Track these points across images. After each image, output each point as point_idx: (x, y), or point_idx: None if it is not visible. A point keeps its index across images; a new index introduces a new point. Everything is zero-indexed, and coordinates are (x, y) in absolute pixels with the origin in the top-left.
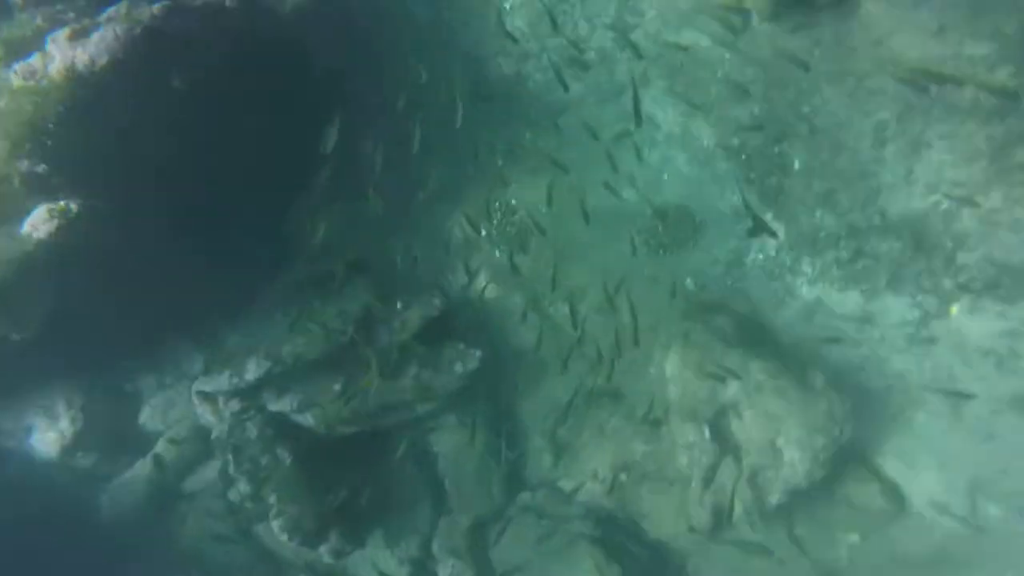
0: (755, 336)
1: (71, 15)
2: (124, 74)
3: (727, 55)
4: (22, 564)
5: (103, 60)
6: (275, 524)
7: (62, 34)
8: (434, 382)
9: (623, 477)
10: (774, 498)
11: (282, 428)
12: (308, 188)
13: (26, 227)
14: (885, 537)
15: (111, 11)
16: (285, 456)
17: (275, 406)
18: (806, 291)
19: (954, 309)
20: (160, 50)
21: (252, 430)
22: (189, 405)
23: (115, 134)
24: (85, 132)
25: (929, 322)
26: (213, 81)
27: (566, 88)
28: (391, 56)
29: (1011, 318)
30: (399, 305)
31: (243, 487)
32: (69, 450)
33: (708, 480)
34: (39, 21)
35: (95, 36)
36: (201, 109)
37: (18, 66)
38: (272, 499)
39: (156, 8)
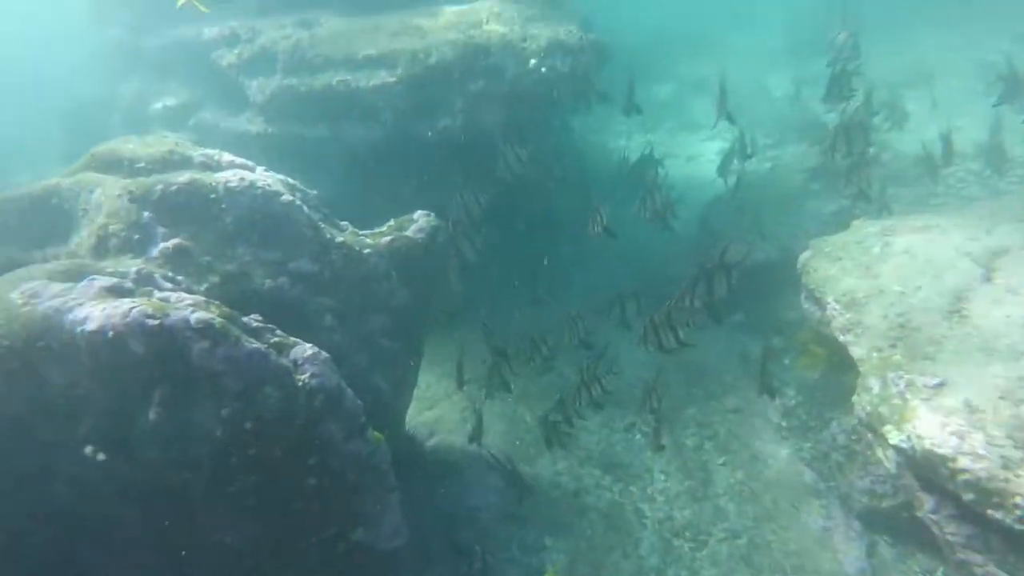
0: None
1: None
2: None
3: None
4: None
5: (91, 325)
6: None
7: (99, 282)
8: None
9: None
10: None
11: None
12: None
13: None
14: None
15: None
16: None
17: None
18: None
19: None
20: (148, 367)
21: None
22: None
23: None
24: None
25: None
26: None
27: None
28: None
29: None
30: None
31: None
32: None
33: None
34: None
35: (119, 303)
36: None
37: (25, 286)
38: None
39: (196, 318)
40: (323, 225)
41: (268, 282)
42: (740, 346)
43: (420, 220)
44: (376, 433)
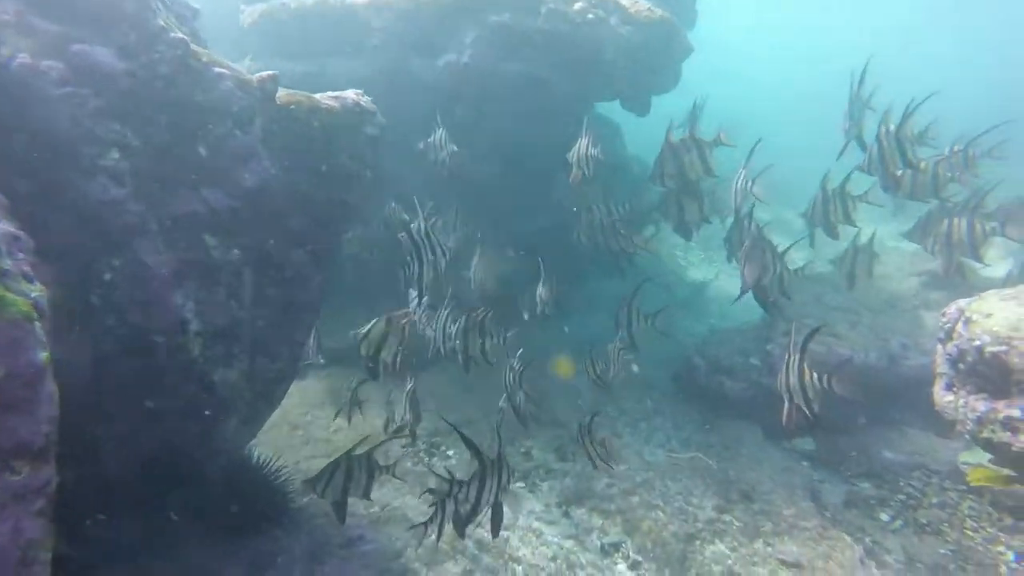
0: None
1: None
2: None
3: None
4: None
5: None
6: None
7: None
8: None
9: None
10: None
11: None
12: None
13: None
14: None
15: None
16: None
17: None
18: None
19: None
20: None
21: None
22: None
23: None
24: None
25: None
26: None
27: None
28: None
29: None
30: None
31: None
32: None
33: None
34: None
35: None
36: None
37: None
38: None
39: None
40: (165, 14)
41: (22, 60)
42: (807, 479)
43: (347, 92)
44: None
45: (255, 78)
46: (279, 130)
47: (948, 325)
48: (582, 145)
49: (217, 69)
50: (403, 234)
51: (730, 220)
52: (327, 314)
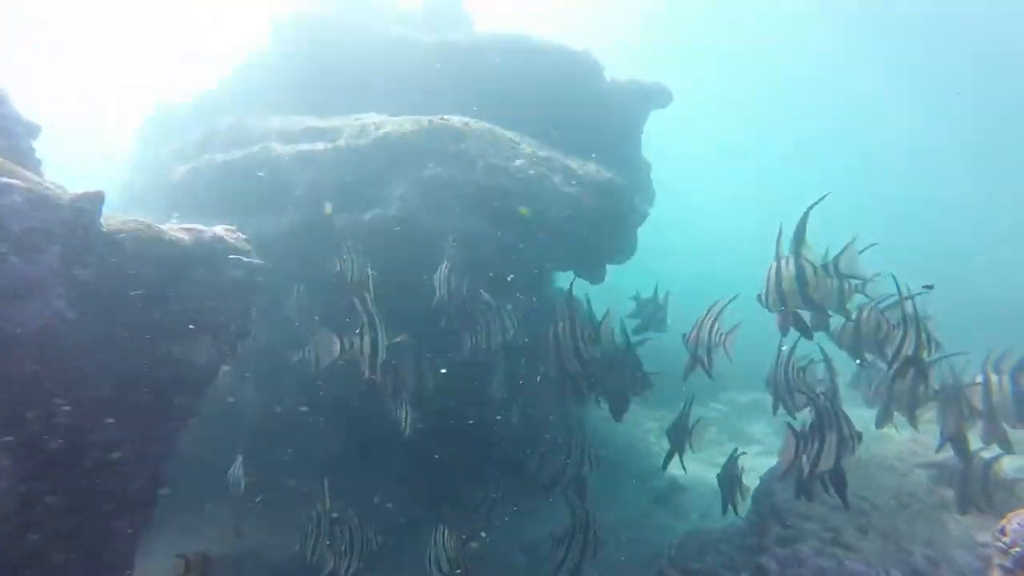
0: None
1: None
2: None
3: None
4: None
5: None
6: None
7: None
8: None
9: None
10: None
11: None
12: None
13: None
14: None
15: None
16: None
17: None
18: None
19: None
20: None
21: None
22: None
23: None
24: None
25: None
26: None
27: None
28: None
29: None
30: None
31: None
32: None
33: None
34: None
35: None
36: None
37: None
38: None
39: None
40: None
41: None
42: None
43: (214, 227)
44: None
45: (67, 196)
46: (94, 263)
47: (1017, 551)
48: (444, 269)
49: (6, 180)
50: (357, 299)
51: None
52: (169, 519)
